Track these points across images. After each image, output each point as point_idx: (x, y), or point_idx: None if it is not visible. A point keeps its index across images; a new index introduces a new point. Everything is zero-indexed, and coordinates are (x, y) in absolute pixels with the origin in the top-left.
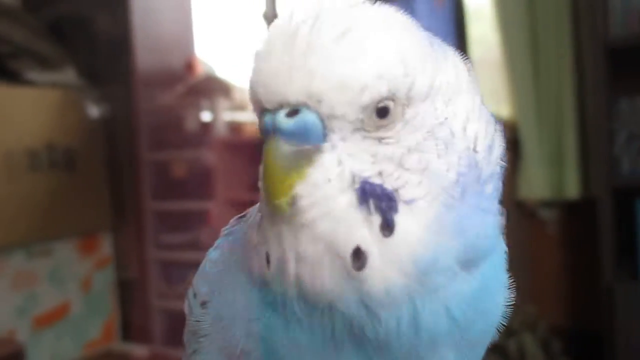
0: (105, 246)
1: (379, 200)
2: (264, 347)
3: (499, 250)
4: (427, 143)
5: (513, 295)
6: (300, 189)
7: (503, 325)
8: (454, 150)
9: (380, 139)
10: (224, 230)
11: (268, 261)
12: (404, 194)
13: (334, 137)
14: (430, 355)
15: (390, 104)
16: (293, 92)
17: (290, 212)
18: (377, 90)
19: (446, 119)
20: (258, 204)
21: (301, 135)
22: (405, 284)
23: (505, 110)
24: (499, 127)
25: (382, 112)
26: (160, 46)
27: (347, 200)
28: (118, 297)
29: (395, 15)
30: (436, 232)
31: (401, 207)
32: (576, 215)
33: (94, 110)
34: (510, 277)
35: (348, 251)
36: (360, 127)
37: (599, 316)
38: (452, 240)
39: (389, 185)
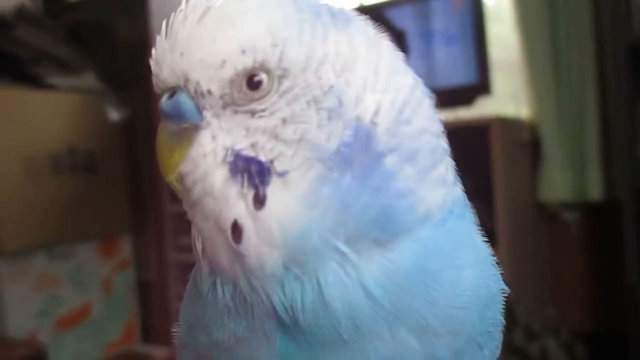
0: (126, 248)
1: (249, 173)
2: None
3: (449, 230)
4: (306, 113)
5: (495, 284)
6: (182, 167)
7: (486, 316)
8: (339, 120)
9: (252, 113)
10: None
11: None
12: (277, 166)
13: (208, 114)
14: (360, 340)
15: (263, 76)
16: (167, 76)
17: (182, 190)
18: (241, 64)
19: (332, 87)
20: None
21: (177, 115)
22: (279, 258)
23: (525, 111)
24: (429, 101)
25: (255, 85)
26: None
27: (222, 174)
28: (138, 299)
29: None
30: (310, 205)
31: (274, 180)
32: (599, 217)
33: (114, 114)
34: (498, 275)
35: (228, 225)
36: (230, 102)
37: (624, 318)
38: (329, 214)
39: (262, 157)
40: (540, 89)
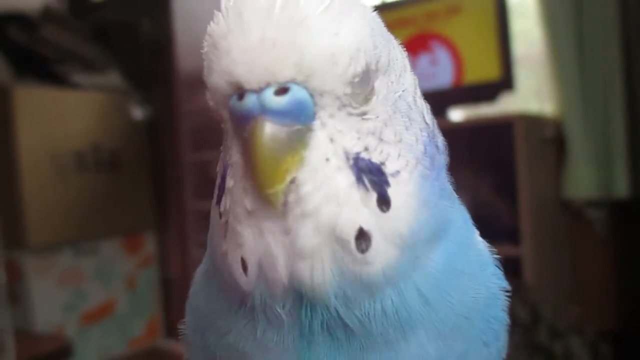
0: (149, 245)
1: (372, 175)
2: (236, 356)
3: (461, 227)
4: (395, 116)
5: (505, 287)
6: (300, 174)
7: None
8: (415, 122)
9: (362, 114)
10: None
11: (244, 267)
12: (389, 167)
13: (323, 115)
14: (400, 341)
15: (372, 76)
16: (282, 68)
17: (289, 202)
18: (359, 63)
19: (404, 91)
20: (212, 210)
21: (293, 114)
22: (400, 258)
23: (549, 107)
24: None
25: (365, 85)
26: (201, 49)
27: (345, 179)
28: (161, 295)
29: None
30: (421, 203)
31: (390, 180)
32: (625, 214)
33: (137, 113)
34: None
35: (352, 234)
36: (347, 104)
37: None
38: (430, 211)
39: (375, 160)
40: (565, 85)
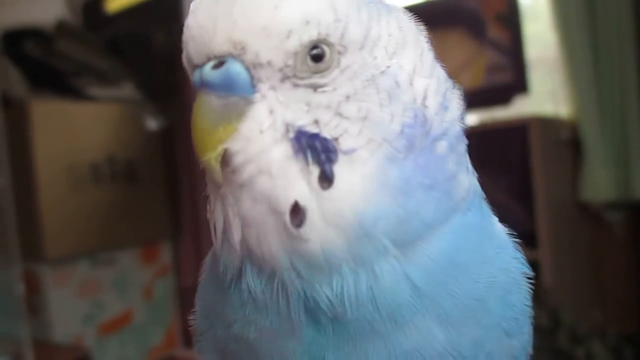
0: (165, 255)
1: (315, 150)
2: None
3: (473, 219)
4: (367, 91)
5: (524, 279)
6: (232, 145)
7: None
8: (398, 101)
9: (314, 87)
10: None
11: (215, 231)
12: (343, 144)
13: (263, 87)
14: (395, 330)
15: (326, 49)
16: (217, 43)
17: (225, 171)
18: (305, 35)
19: (388, 67)
20: None
21: (227, 86)
22: (345, 242)
23: (564, 109)
24: (457, 89)
25: (317, 58)
26: None
27: (282, 151)
28: (178, 304)
29: None
30: (379, 186)
31: (340, 157)
32: None
33: (152, 123)
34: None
35: (287, 207)
36: (291, 75)
37: None
38: (397, 196)
39: (326, 134)
40: (580, 86)
